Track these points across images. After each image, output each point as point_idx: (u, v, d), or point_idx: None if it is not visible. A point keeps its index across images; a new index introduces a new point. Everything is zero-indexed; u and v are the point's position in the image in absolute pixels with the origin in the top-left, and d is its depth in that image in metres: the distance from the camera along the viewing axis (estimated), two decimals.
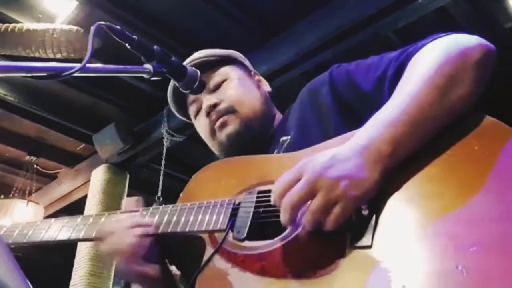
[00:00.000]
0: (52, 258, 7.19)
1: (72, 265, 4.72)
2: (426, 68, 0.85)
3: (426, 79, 0.83)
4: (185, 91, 1.16)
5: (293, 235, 0.81)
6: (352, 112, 1.03)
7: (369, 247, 0.73)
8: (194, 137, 5.25)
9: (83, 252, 4.63)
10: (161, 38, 3.76)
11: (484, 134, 0.79)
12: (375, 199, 0.78)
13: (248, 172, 0.99)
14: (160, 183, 4.19)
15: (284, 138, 1.12)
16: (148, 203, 1.08)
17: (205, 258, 0.86)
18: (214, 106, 1.21)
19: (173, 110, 1.36)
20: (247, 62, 1.36)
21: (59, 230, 1.04)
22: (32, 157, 5.38)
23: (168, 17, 3.71)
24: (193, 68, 1.13)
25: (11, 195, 5.34)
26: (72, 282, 4.62)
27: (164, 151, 4.35)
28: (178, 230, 0.93)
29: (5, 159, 5.63)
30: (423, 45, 0.94)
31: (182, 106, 1.33)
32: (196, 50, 1.35)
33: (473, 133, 0.80)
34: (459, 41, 0.89)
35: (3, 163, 5.69)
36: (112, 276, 4.71)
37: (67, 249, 5.32)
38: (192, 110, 1.29)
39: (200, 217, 0.93)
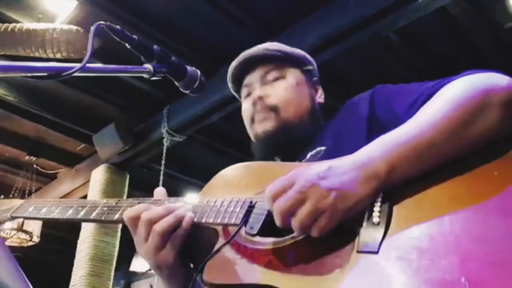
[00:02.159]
0: (52, 258, 7.20)
1: (72, 265, 4.72)
2: (448, 99, 0.86)
3: (445, 110, 0.84)
4: (185, 91, 1.16)
5: (302, 236, 0.83)
6: (383, 133, 1.05)
7: (375, 253, 0.75)
8: (194, 137, 5.26)
9: (83, 252, 4.63)
10: (161, 38, 3.76)
11: (507, 162, 0.80)
12: (388, 207, 0.80)
13: (269, 176, 1.02)
14: (160, 183, 4.19)
15: (319, 148, 1.14)
16: None
17: (217, 248, 0.90)
18: (261, 98, 1.23)
19: (230, 86, 1.39)
20: (313, 68, 1.38)
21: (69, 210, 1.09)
22: (32, 157, 5.39)
23: (168, 17, 3.71)
24: (193, 68, 1.13)
25: (11, 195, 5.35)
26: (72, 282, 4.62)
27: (164, 151, 4.36)
28: (195, 220, 0.97)
29: (5, 159, 5.64)
30: (456, 78, 0.93)
31: (238, 84, 1.35)
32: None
33: (497, 159, 0.80)
34: (489, 79, 0.88)
35: (3, 163, 5.69)
36: (112, 276, 4.71)
37: (67, 249, 5.33)
38: (243, 92, 1.32)
39: (217, 210, 0.96)
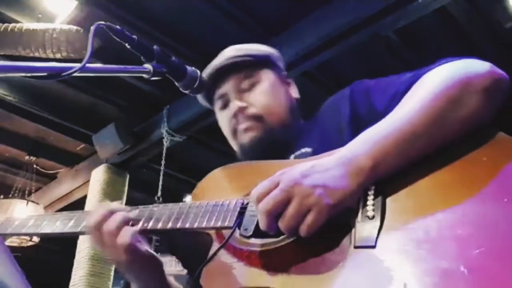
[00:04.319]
0: (52, 258, 7.20)
1: (72, 265, 4.72)
2: (428, 89, 0.86)
3: (425, 100, 0.84)
4: (185, 91, 1.16)
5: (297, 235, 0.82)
6: None
7: (373, 247, 0.75)
8: (194, 137, 5.25)
9: (83, 252, 4.63)
10: (161, 38, 3.76)
11: (495, 147, 0.80)
12: (382, 200, 0.80)
13: (258, 176, 0.99)
14: (160, 183, 4.19)
15: (305, 150, 1.12)
16: (148, 203, 1.08)
17: (211, 253, 0.89)
18: (242, 109, 1.21)
19: (201, 100, 1.36)
20: (282, 63, 1.35)
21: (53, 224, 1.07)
22: (32, 157, 5.39)
23: (168, 17, 3.71)
24: (193, 68, 1.13)
25: (10, 195, 5.34)
26: (72, 282, 4.62)
27: (164, 151, 4.36)
28: (187, 226, 0.95)
29: (5, 159, 5.63)
30: (434, 68, 0.93)
31: (208, 94, 1.32)
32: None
33: (485, 145, 0.81)
34: (469, 66, 0.88)
35: (3, 163, 5.69)
36: (112, 276, 4.71)
37: (67, 249, 5.32)
38: (218, 104, 1.29)
39: (208, 214, 0.95)
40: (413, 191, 0.80)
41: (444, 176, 0.79)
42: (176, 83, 1.12)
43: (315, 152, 1.09)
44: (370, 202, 0.80)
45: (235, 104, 1.21)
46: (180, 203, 1.02)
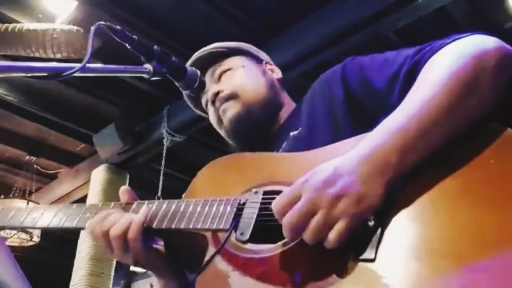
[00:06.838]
0: (52, 258, 7.20)
1: (72, 265, 4.72)
2: (441, 73, 0.82)
3: (440, 85, 0.80)
4: (185, 91, 1.17)
5: (295, 242, 0.79)
6: (363, 109, 0.99)
7: (372, 260, 0.71)
8: (194, 137, 5.24)
9: (83, 252, 4.63)
10: (161, 38, 3.76)
11: (503, 148, 0.75)
12: (383, 210, 0.75)
13: (255, 171, 0.97)
14: (160, 183, 4.19)
15: (293, 133, 1.10)
16: None
17: (207, 257, 0.85)
18: (217, 94, 1.23)
19: (190, 105, 1.39)
20: (260, 54, 1.37)
21: (52, 217, 1.06)
22: (32, 157, 5.39)
23: (168, 17, 3.71)
24: (193, 68, 1.14)
25: (11, 195, 5.35)
26: (72, 282, 4.62)
27: (164, 151, 4.36)
28: (182, 226, 0.91)
29: (5, 159, 5.63)
30: (441, 46, 0.89)
31: (197, 100, 1.35)
32: (196, 50, 1.35)
33: (491, 146, 0.76)
34: (477, 44, 0.85)
35: (3, 163, 5.69)
36: (112, 276, 4.71)
37: (67, 249, 5.33)
38: (203, 102, 1.31)
39: (204, 215, 0.90)
40: (418, 200, 0.75)
41: (452, 184, 0.74)
42: (176, 83, 1.12)
43: (301, 135, 1.08)
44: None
45: (209, 92, 1.24)
46: (176, 200, 0.98)
